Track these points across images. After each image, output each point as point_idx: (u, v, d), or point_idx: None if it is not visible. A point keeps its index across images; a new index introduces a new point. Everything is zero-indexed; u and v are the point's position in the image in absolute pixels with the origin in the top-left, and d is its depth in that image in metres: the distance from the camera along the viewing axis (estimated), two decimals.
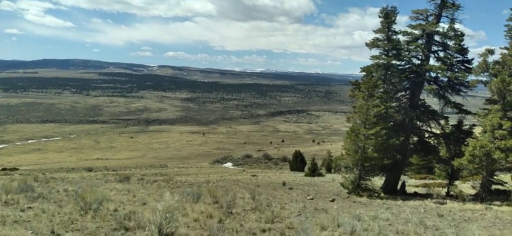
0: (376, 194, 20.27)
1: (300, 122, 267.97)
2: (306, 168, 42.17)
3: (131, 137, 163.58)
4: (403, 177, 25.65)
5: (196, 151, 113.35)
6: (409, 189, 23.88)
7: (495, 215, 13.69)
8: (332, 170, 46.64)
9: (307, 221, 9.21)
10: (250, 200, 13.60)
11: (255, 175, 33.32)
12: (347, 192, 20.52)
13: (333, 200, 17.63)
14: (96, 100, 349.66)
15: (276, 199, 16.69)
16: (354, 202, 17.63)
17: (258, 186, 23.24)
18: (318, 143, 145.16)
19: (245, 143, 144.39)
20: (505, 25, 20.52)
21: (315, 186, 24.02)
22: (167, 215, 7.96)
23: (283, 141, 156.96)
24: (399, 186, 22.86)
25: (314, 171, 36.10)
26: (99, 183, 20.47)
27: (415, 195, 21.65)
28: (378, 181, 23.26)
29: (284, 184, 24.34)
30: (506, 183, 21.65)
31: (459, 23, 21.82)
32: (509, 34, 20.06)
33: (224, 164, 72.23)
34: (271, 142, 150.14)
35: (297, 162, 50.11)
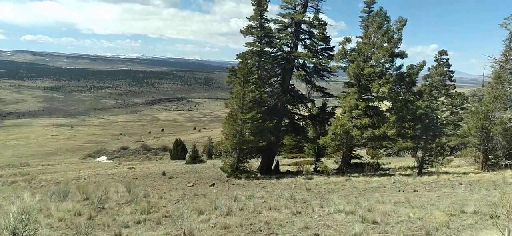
0: (253, 175, 21.22)
1: (180, 110, 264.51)
2: (187, 156, 41.90)
3: None
4: (277, 157, 27.38)
5: (63, 146, 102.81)
6: (283, 168, 25.65)
7: (353, 185, 15.57)
8: (213, 156, 47.34)
9: (185, 207, 9.13)
10: (125, 193, 12.87)
11: (132, 168, 31.81)
12: (226, 176, 21.00)
13: (213, 185, 17.86)
14: None
15: (155, 189, 16.17)
16: (233, 184, 18.14)
17: (136, 178, 22.22)
18: (200, 130, 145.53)
19: (121, 134, 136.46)
20: (360, 17, 23.30)
21: (196, 173, 24.00)
22: (24, 217, 6.98)
23: (163, 130, 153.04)
24: (274, 166, 24.36)
25: (195, 158, 36.14)
26: None
27: (288, 173, 23.35)
28: (255, 163, 24.36)
29: (164, 174, 23.73)
30: (362, 156, 24.84)
31: (322, 13, 24.02)
32: (363, 25, 22.78)
33: (98, 158, 67.26)
34: (150, 132, 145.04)
35: (178, 151, 49.40)
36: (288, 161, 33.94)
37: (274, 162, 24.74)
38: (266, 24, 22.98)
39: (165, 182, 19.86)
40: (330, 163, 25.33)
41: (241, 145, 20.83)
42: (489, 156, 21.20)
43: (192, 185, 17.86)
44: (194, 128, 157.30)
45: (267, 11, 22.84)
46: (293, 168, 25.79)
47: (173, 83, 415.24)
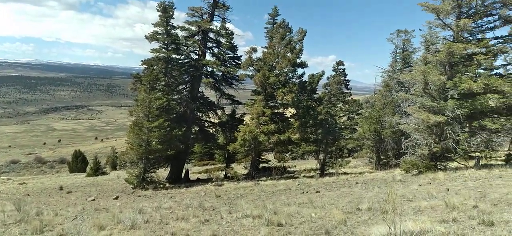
0: (161, 185, 20.60)
1: (80, 119, 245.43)
2: (88, 168, 39.04)
3: None
4: (187, 166, 26.98)
5: None
6: (193, 176, 25.34)
7: (261, 189, 16.01)
8: (118, 167, 44.83)
9: (84, 223, 8.47)
10: (14, 212, 11.45)
11: (24, 183, 28.59)
12: (132, 187, 20.07)
13: (117, 198, 16.92)
14: None
15: (50, 206, 14.73)
16: (139, 196, 17.39)
17: (28, 194, 20.09)
18: (102, 140, 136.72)
19: (10, 146, 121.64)
20: (265, 28, 24.20)
21: (98, 186, 22.52)
22: None
23: (60, 141, 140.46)
24: (183, 174, 23.97)
25: (97, 170, 33.88)
26: None
27: (198, 181, 23.15)
28: (163, 172, 23.67)
29: (61, 188, 21.86)
30: (270, 161, 25.71)
31: (229, 22, 24.48)
32: (268, 35, 23.71)
33: None
34: (45, 143, 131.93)
35: (78, 163, 45.70)
36: (199, 169, 33.57)
37: (184, 170, 24.35)
38: (173, 31, 22.64)
39: (63, 197, 18.29)
40: (240, 168, 25.73)
41: (147, 154, 20.10)
42: (381, 157, 23.54)
43: (94, 199, 16.73)
44: (96, 138, 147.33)
45: (173, 18, 22.58)
46: (203, 176, 25.63)
47: (71, 90, 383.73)
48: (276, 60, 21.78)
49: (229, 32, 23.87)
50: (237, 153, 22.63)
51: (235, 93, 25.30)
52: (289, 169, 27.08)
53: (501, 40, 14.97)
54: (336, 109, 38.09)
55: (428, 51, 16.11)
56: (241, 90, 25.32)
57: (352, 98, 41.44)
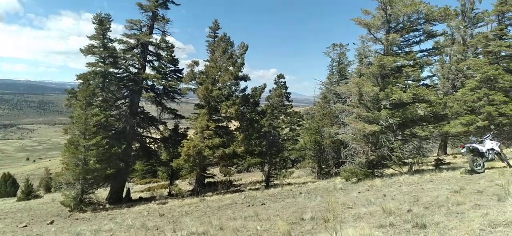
0: (101, 206, 19.59)
1: (9, 139, 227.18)
2: (19, 192, 36.10)
3: None
4: (128, 185, 25.88)
5: None
6: (135, 195, 24.39)
7: (207, 205, 15.77)
8: (53, 189, 41.99)
9: None
10: None
11: None
12: (69, 210, 18.85)
13: (52, 222, 15.79)
14: None
15: None
16: (77, 219, 16.37)
17: None
18: (34, 160, 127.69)
19: None
20: (206, 41, 24.18)
21: (30, 211, 20.88)
22: None
23: None
24: (125, 194, 22.95)
25: (29, 194, 31.43)
26: None
27: (140, 200, 22.30)
28: (103, 193, 22.52)
29: None
30: (215, 175, 25.51)
31: (170, 35, 24.08)
32: (210, 49, 23.70)
33: None
34: None
35: (7, 187, 42.17)
36: (141, 187, 32.48)
37: (125, 189, 23.33)
38: (110, 44, 21.82)
39: None
40: (185, 185, 25.21)
41: (85, 174, 19.01)
42: (323, 166, 24.28)
43: (26, 226, 15.49)
44: (27, 159, 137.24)
45: (110, 31, 21.78)
46: (146, 194, 24.78)
47: None
48: (219, 73, 21.78)
49: (170, 45, 23.52)
50: (181, 169, 22.16)
51: (177, 107, 24.85)
52: (235, 182, 27.04)
53: (426, 53, 16.23)
54: (279, 121, 38.74)
55: (362, 63, 17.02)
56: (184, 104, 24.93)
57: (293, 110, 42.45)
